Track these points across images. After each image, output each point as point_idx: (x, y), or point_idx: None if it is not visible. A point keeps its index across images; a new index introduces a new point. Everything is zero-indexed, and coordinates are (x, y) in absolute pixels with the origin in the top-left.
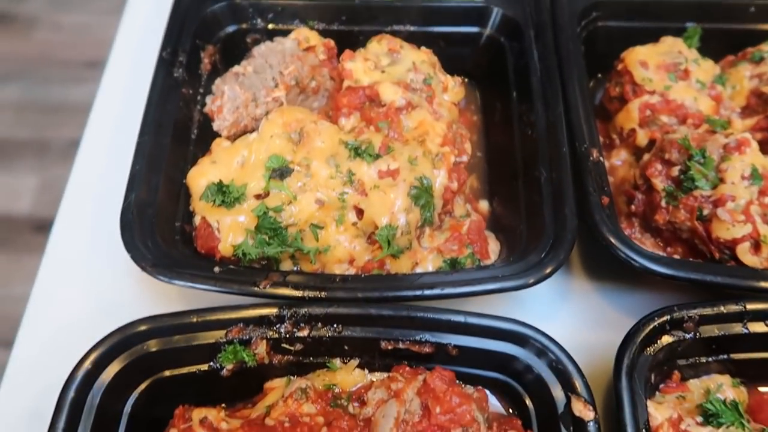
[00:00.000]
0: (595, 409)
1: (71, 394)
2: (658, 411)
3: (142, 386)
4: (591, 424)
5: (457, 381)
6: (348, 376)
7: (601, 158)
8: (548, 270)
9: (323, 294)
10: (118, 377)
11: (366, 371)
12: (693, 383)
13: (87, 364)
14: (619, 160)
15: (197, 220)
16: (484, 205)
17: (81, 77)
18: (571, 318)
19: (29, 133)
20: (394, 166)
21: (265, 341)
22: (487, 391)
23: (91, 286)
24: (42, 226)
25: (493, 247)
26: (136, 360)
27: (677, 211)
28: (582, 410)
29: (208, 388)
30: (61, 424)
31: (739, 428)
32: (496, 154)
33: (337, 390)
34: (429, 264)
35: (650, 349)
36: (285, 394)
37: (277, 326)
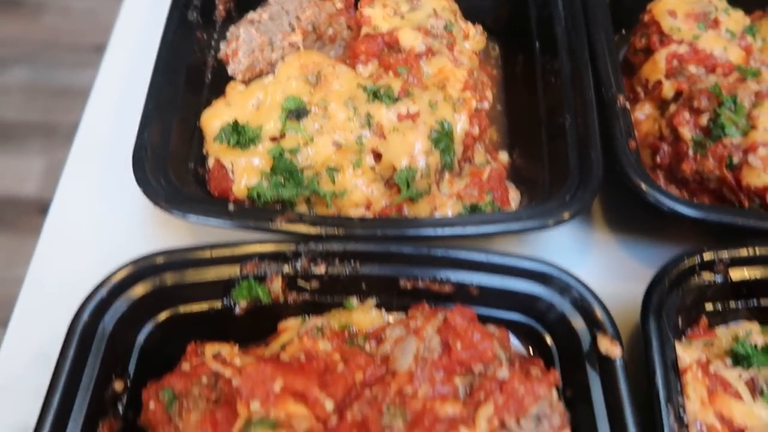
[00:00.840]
0: (622, 345)
1: (84, 319)
2: (687, 353)
3: (155, 321)
4: (618, 361)
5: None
6: (365, 316)
7: (627, 105)
8: (574, 211)
9: (341, 231)
10: (131, 309)
11: (383, 311)
12: (721, 330)
13: (101, 293)
14: (643, 114)
15: (211, 162)
16: (504, 156)
17: (88, 61)
18: (594, 269)
19: (37, 117)
20: (414, 109)
21: (280, 278)
22: (509, 333)
23: (101, 228)
24: (48, 209)
25: (514, 195)
26: (149, 293)
27: (705, 160)
28: (609, 347)
29: (222, 327)
30: (71, 351)
31: None
32: (517, 106)
33: (353, 329)
34: (448, 210)
35: (679, 291)
36: (300, 332)
37: (293, 262)
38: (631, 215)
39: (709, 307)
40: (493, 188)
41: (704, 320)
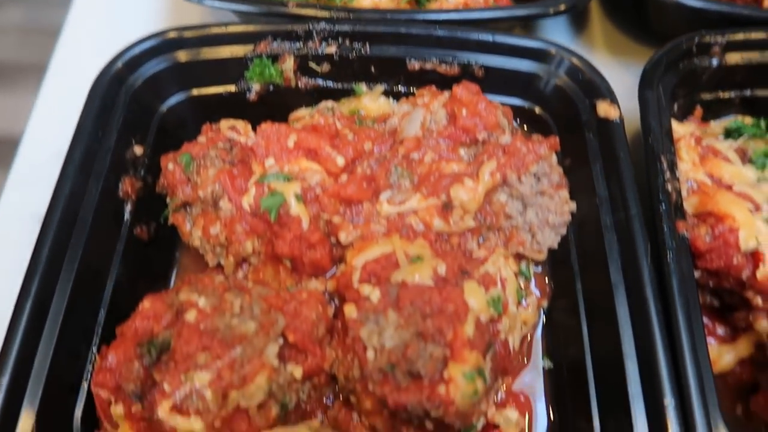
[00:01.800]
0: (619, 107)
1: (103, 85)
2: (681, 128)
3: (171, 101)
4: (615, 121)
5: None
6: (373, 102)
7: None
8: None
9: (351, 15)
10: (148, 83)
11: (391, 100)
12: (714, 124)
13: (119, 63)
14: None
15: None
16: None
17: None
18: (593, 58)
19: (32, 56)
20: None
21: (292, 57)
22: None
23: (120, 15)
24: None
25: None
26: (165, 69)
27: None
28: (607, 109)
29: (235, 114)
30: (92, 111)
31: (760, 140)
32: None
33: (362, 113)
34: None
35: (676, 72)
36: (311, 112)
37: (306, 42)
38: (631, 15)
39: (705, 95)
40: None
41: (699, 110)
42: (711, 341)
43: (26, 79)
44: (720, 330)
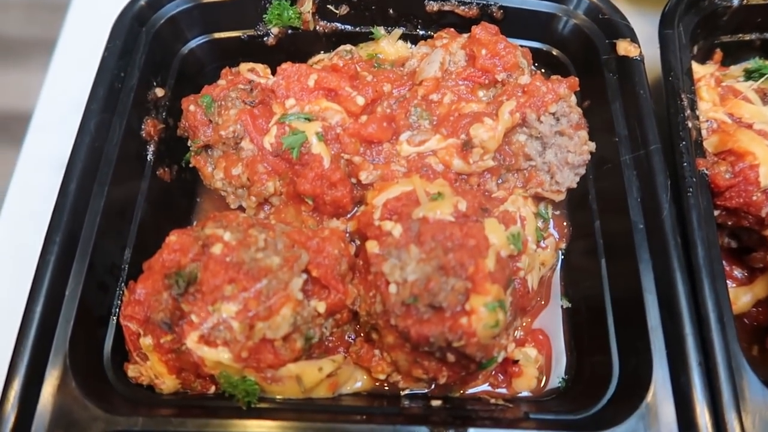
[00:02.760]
0: (639, 46)
1: (125, 24)
2: (701, 69)
3: (191, 44)
4: (636, 59)
5: None
6: (392, 46)
7: None
8: None
9: None
10: (169, 22)
11: (409, 44)
12: (733, 68)
13: (141, 2)
14: None
15: None
16: None
17: None
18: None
19: (38, 32)
20: None
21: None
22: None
23: None
24: None
25: None
26: (185, 10)
27: None
28: (627, 48)
29: (254, 58)
30: (115, 49)
31: None
32: None
33: (380, 57)
34: None
35: (697, 11)
36: (330, 56)
37: None
38: None
39: (725, 38)
40: None
41: (719, 53)
42: (728, 283)
43: (37, 55)
44: (737, 272)
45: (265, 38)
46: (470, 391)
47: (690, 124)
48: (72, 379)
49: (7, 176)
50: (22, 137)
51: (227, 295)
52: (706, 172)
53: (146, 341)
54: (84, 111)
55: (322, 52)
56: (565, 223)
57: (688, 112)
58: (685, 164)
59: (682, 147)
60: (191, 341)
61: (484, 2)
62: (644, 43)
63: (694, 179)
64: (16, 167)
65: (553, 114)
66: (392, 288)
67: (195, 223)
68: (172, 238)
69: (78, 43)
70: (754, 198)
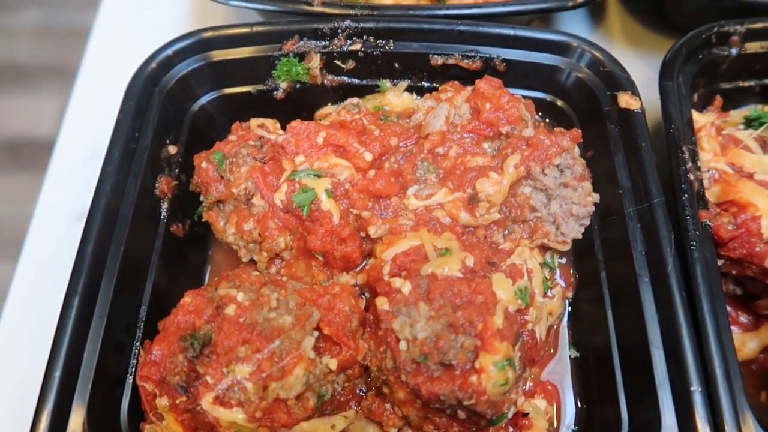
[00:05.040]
0: (640, 98)
1: (138, 86)
2: (702, 118)
3: (202, 100)
4: (637, 112)
5: None
6: (398, 98)
7: None
8: None
9: (374, 12)
10: (180, 81)
11: (415, 96)
12: (733, 113)
13: (153, 64)
14: None
15: None
16: None
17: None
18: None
19: (49, 58)
20: None
21: (318, 55)
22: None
23: (148, 18)
24: None
25: None
26: (196, 69)
27: None
28: (629, 101)
29: (263, 112)
30: (129, 109)
31: None
32: None
33: (387, 109)
34: None
35: (696, 61)
36: (338, 109)
37: (331, 40)
38: (648, 6)
39: (724, 85)
40: None
41: (718, 100)
42: (734, 329)
43: (48, 81)
44: (743, 318)
45: (274, 92)
46: None
47: (692, 176)
48: None
49: (25, 224)
50: (39, 186)
51: (241, 357)
52: (709, 223)
53: (162, 402)
54: (100, 173)
55: (329, 103)
56: (571, 271)
57: (690, 164)
58: (688, 217)
59: (684, 200)
60: (206, 402)
61: (488, 55)
62: (644, 86)
63: (698, 232)
64: (33, 216)
65: (557, 166)
66: (402, 345)
67: (208, 280)
68: (187, 299)
69: (95, 88)
70: (757, 249)
